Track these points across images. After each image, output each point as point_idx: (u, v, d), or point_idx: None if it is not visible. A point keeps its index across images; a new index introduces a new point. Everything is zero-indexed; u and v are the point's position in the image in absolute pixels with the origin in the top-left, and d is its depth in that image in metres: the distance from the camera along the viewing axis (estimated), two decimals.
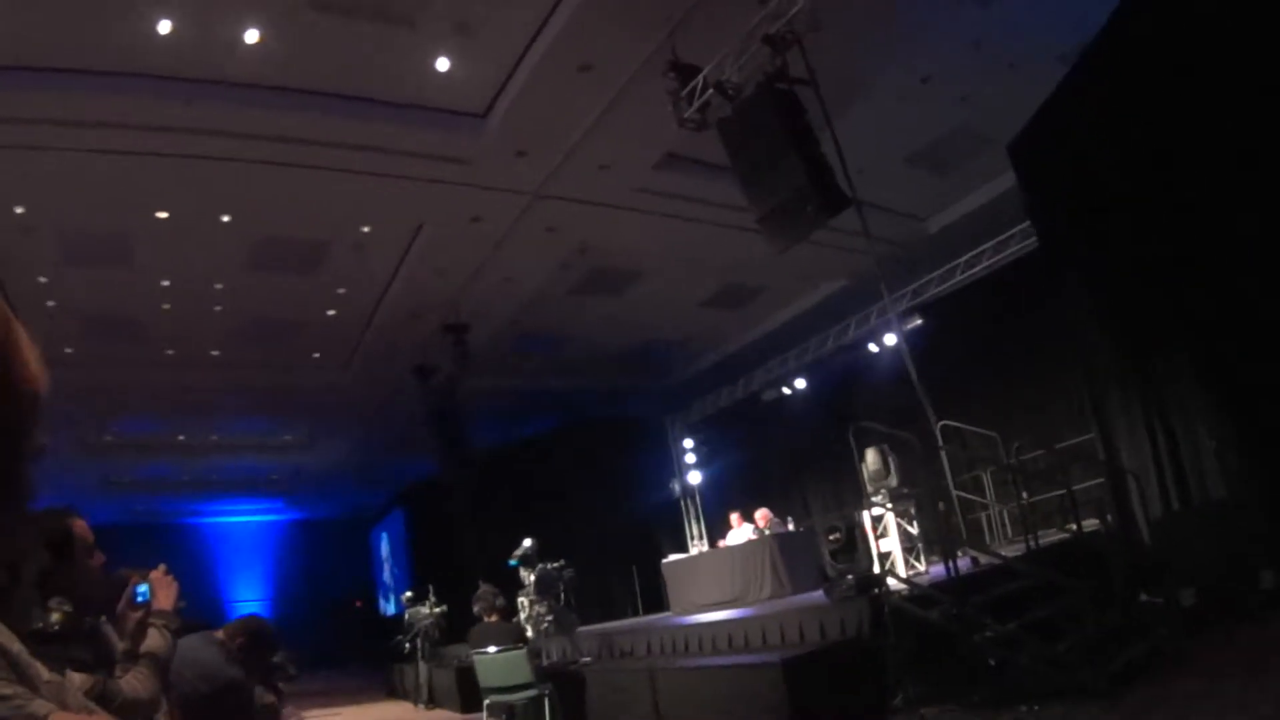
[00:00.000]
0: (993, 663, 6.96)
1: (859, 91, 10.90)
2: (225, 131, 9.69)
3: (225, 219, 11.34)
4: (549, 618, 12.00)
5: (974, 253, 14.70)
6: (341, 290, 13.76)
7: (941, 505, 9.85)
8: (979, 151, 12.64)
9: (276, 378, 16.67)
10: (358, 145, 10.32)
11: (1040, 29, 10.18)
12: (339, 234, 12.23)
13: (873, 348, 16.98)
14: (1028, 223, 12.07)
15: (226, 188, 10.72)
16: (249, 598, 29.20)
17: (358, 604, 31.46)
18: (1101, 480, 10.43)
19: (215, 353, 15.25)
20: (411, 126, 10.30)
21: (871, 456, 10.03)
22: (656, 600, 15.81)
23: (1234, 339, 8.51)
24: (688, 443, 22.03)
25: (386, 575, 30.59)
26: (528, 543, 12.52)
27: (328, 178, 10.69)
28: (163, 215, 11.06)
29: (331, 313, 14.48)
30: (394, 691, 17.74)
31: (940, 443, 9.74)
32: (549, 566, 12.37)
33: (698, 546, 20.33)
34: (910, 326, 15.43)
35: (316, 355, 16.12)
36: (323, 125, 9.94)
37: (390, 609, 28.40)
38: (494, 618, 9.69)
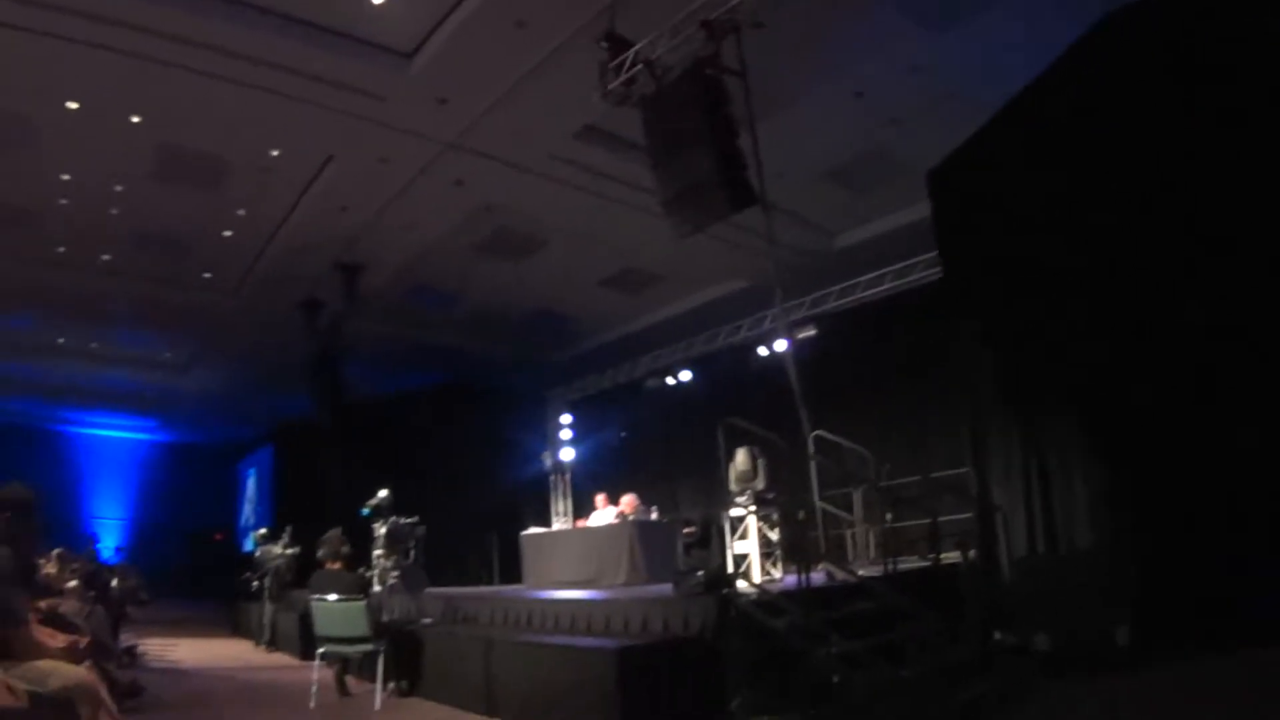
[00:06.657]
0: (836, 680, 6.96)
1: (789, 98, 10.85)
2: (146, 28, 9.19)
3: (135, 119, 10.80)
4: (395, 573, 11.72)
5: (877, 273, 14.90)
6: (241, 212, 13.33)
7: (802, 514, 9.84)
8: (897, 177, 12.68)
9: (164, 293, 16.10)
10: (280, 64, 9.96)
11: (988, 64, 10.11)
12: (247, 154, 11.82)
13: (761, 351, 17.11)
14: (934, 253, 12.04)
15: (141, 87, 10.18)
16: (110, 515, 28.34)
17: (218, 537, 30.33)
18: (969, 515, 10.54)
19: (106, 257, 14.62)
20: (337, 54, 9.95)
21: (741, 456, 9.95)
22: (513, 572, 15.64)
23: (1122, 398, 8.59)
24: (565, 418, 22.06)
25: (250, 511, 29.56)
26: (383, 493, 12.10)
27: (245, 94, 10.30)
28: (73, 105, 10.51)
29: (228, 234, 14.01)
30: (238, 629, 17.18)
31: (812, 452, 9.71)
32: (401, 521, 12.03)
33: (561, 523, 20.31)
34: (802, 336, 15.57)
35: (207, 275, 15.62)
36: (249, 39, 9.52)
37: (251, 546, 27.79)
38: (337, 565, 9.44)
